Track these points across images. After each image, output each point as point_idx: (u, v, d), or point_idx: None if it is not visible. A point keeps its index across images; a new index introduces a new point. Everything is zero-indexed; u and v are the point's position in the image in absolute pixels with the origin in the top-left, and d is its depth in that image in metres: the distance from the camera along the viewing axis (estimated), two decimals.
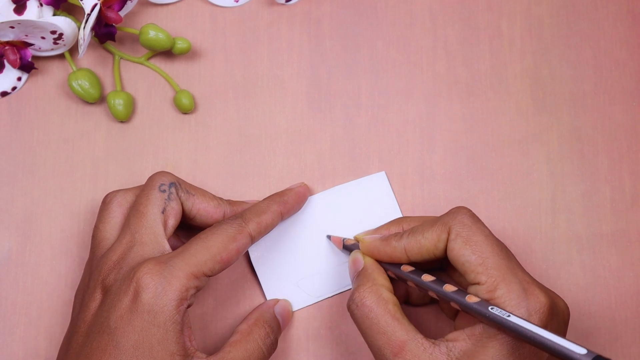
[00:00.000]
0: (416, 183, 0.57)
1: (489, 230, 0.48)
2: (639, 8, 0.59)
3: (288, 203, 0.54)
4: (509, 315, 0.43)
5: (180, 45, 0.56)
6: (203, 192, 0.53)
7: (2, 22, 0.53)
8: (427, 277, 0.48)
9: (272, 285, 0.55)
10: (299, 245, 0.55)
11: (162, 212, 0.50)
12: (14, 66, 0.56)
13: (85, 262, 0.55)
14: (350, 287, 0.55)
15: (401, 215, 0.56)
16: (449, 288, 0.47)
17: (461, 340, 0.46)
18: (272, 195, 0.54)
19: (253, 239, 0.50)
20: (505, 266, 0.46)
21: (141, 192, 0.51)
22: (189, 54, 0.58)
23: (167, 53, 0.58)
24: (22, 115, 0.57)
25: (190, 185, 0.52)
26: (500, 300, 0.45)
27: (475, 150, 0.57)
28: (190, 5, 0.59)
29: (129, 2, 0.57)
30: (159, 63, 0.58)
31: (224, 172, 0.57)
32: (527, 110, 0.58)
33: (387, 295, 0.48)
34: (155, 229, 0.49)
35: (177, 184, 0.51)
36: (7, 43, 0.55)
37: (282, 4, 0.59)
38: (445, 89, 0.58)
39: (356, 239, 0.54)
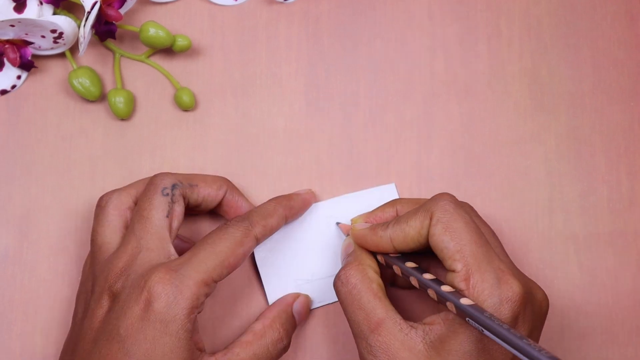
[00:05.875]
0: (414, 183, 0.57)
1: (469, 217, 0.48)
2: (637, 8, 0.59)
3: (294, 208, 0.54)
4: (474, 309, 0.44)
5: (180, 42, 0.56)
6: (203, 178, 0.53)
7: (2, 21, 0.53)
8: (409, 264, 0.49)
9: (274, 287, 0.55)
10: (304, 249, 0.55)
11: (167, 216, 0.50)
12: (13, 65, 0.56)
13: (82, 261, 0.55)
14: None
15: None
16: (427, 276, 0.48)
17: (436, 324, 0.46)
18: (279, 197, 0.54)
19: (258, 241, 0.51)
20: (482, 254, 0.46)
21: (144, 197, 0.51)
22: (187, 52, 0.58)
23: (165, 51, 0.58)
24: (20, 113, 0.57)
25: (191, 176, 0.52)
26: (474, 289, 0.45)
27: (473, 150, 0.57)
28: (189, 3, 0.59)
29: (128, 0, 0.57)
30: (158, 61, 0.58)
31: (222, 170, 0.57)
32: (525, 110, 0.58)
33: (372, 275, 0.49)
34: (161, 234, 0.49)
35: (179, 183, 0.51)
36: (7, 41, 0.55)
37: (281, 3, 0.59)
38: (444, 89, 0.58)
39: (352, 223, 0.54)
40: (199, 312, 0.47)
